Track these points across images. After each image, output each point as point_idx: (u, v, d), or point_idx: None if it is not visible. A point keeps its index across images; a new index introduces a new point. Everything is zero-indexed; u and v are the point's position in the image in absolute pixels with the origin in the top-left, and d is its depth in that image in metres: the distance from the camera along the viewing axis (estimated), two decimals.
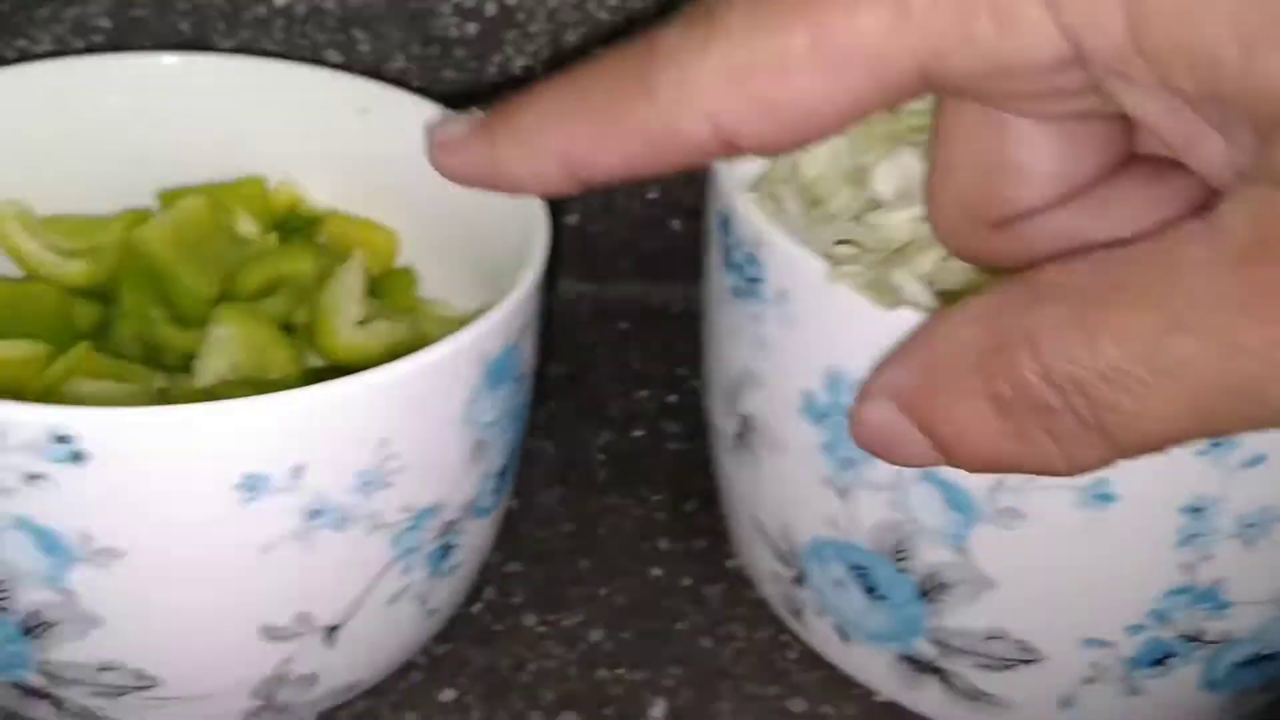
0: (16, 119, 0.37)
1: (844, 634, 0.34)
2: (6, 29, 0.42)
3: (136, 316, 0.35)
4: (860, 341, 0.28)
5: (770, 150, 0.21)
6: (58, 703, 0.30)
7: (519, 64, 0.45)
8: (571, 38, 0.44)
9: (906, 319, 0.28)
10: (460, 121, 0.27)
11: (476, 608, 0.37)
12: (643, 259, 0.48)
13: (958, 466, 0.20)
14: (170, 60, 0.38)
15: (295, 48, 0.44)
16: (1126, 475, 0.21)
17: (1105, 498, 0.29)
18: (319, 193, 0.40)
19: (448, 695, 0.34)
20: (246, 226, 0.38)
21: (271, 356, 0.33)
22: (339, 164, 0.39)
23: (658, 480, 0.41)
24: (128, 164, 0.38)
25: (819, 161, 0.34)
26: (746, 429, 0.34)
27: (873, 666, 0.35)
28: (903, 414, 0.20)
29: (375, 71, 0.39)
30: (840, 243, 0.32)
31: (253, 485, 0.27)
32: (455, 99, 0.38)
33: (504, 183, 0.26)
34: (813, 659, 0.36)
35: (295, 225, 0.40)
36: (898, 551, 0.31)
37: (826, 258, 0.30)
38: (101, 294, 0.37)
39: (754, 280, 0.32)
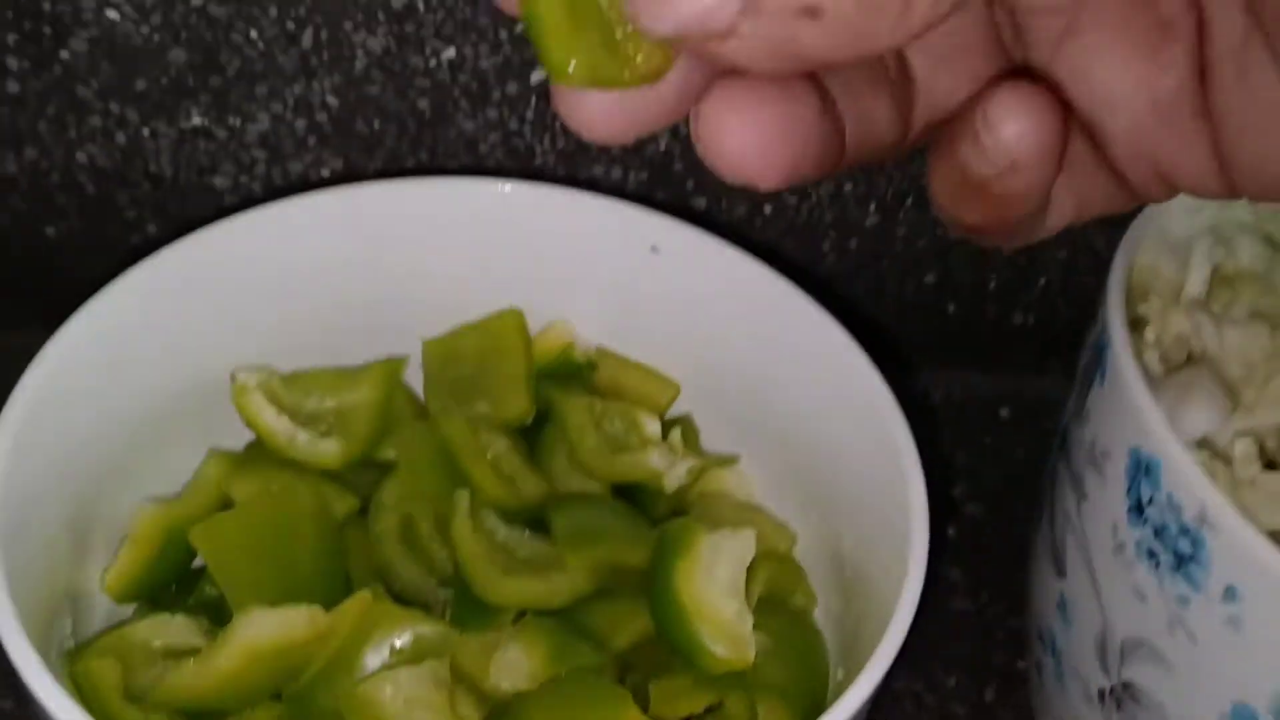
0: (255, 267, 0.31)
1: None
2: (223, 106, 0.36)
3: (401, 516, 0.30)
4: None
5: None
6: None
7: None
8: None
9: None
10: None
11: None
12: None
13: None
14: (433, 187, 0.32)
15: (544, 128, 0.37)
16: None
17: None
18: (587, 329, 0.34)
19: None
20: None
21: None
22: (615, 301, 0.33)
23: None
24: (376, 304, 0.33)
25: None
26: (1127, 696, 0.29)
27: None
28: None
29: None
30: None
31: None
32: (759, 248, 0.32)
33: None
34: None
35: (565, 372, 0.34)
36: None
37: None
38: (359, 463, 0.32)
39: (1187, 560, 0.26)
